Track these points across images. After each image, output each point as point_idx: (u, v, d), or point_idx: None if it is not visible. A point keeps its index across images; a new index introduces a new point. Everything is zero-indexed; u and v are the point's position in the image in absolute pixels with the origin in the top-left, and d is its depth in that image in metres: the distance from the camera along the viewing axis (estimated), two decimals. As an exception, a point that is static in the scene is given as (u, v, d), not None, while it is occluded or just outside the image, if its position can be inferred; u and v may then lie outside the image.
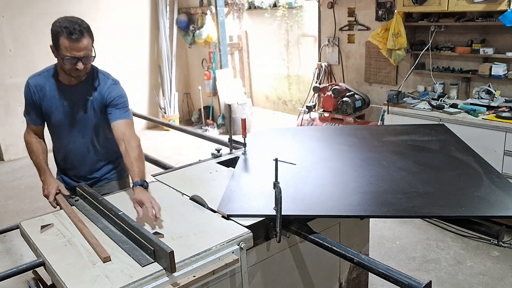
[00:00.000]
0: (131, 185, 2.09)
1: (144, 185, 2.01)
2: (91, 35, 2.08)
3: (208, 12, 6.86)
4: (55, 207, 2.14)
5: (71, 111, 2.24)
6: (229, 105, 6.76)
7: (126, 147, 2.12)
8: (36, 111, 2.27)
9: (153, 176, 2.40)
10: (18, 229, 1.99)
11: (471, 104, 3.90)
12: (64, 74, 2.16)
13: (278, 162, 1.75)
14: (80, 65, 2.06)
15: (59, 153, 2.41)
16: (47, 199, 2.18)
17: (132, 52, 7.14)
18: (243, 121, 2.47)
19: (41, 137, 2.37)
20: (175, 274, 1.52)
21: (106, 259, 1.60)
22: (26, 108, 2.29)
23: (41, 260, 1.67)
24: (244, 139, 2.56)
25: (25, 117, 2.32)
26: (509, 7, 3.57)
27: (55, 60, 2.20)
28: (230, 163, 2.57)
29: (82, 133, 2.29)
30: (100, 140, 2.34)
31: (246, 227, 1.76)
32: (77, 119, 2.25)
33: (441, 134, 2.76)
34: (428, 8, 4.08)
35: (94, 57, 2.11)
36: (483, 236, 3.45)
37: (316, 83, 5.69)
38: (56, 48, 2.06)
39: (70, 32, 1.99)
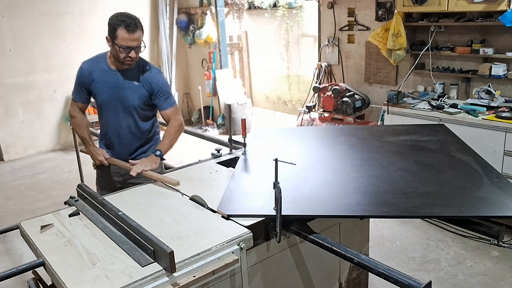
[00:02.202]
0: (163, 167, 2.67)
1: (156, 153, 2.45)
2: (142, 29, 2.41)
3: (208, 12, 6.86)
4: (107, 165, 2.57)
5: (116, 93, 2.50)
6: (229, 105, 6.75)
7: (168, 126, 2.59)
8: (84, 91, 2.58)
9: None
10: (18, 229, 1.98)
11: (471, 104, 3.90)
12: (114, 60, 2.46)
13: (278, 162, 1.75)
14: (133, 54, 2.38)
15: (102, 130, 2.69)
16: (102, 163, 2.55)
17: (132, 52, 7.14)
18: (243, 121, 2.47)
19: (84, 113, 2.70)
20: (175, 274, 1.52)
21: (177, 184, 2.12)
22: (75, 87, 2.61)
23: (41, 260, 1.67)
24: (244, 139, 2.56)
25: (73, 95, 2.64)
26: (509, 7, 3.57)
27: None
28: (230, 163, 2.57)
29: (124, 114, 2.55)
30: (138, 122, 2.60)
31: (246, 227, 1.76)
32: (120, 100, 2.51)
33: (441, 134, 2.76)
34: (428, 8, 4.08)
35: (144, 47, 2.44)
36: (483, 236, 3.44)
37: (316, 83, 5.69)
38: (112, 39, 2.36)
39: (128, 25, 2.32)
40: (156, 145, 2.74)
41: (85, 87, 2.56)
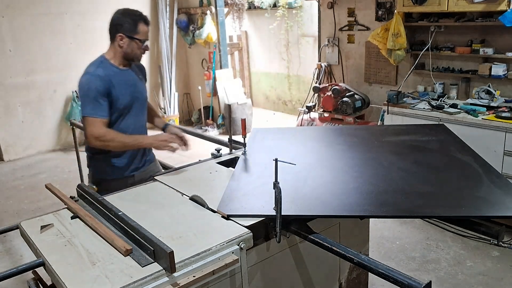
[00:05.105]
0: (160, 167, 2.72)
1: (168, 123, 2.63)
2: None
3: (208, 12, 6.87)
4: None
5: (133, 91, 2.46)
6: (229, 105, 6.76)
7: (152, 109, 2.72)
8: (106, 101, 2.29)
9: (153, 176, 2.40)
10: (18, 229, 1.98)
11: (471, 104, 3.90)
12: (120, 59, 2.39)
13: (278, 162, 1.75)
14: (146, 48, 2.42)
15: None
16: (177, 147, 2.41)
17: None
18: (243, 121, 2.47)
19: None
20: (175, 274, 1.51)
21: (127, 252, 1.61)
22: (93, 103, 2.24)
23: (41, 260, 1.67)
24: (244, 139, 2.55)
25: (93, 114, 2.25)
26: (509, 7, 3.57)
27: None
28: (230, 163, 2.57)
29: (142, 111, 2.55)
30: (146, 114, 2.61)
31: (246, 227, 1.76)
32: (137, 97, 2.49)
33: (441, 134, 2.76)
34: (428, 8, 4.08)
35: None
36: (483, 236, 3.45)
37: (316, 83, 5.69)
38: (132, 34, 2.31)
39: (145, 19, 2.36)
40: None
41: (107, 95, 2.30)
